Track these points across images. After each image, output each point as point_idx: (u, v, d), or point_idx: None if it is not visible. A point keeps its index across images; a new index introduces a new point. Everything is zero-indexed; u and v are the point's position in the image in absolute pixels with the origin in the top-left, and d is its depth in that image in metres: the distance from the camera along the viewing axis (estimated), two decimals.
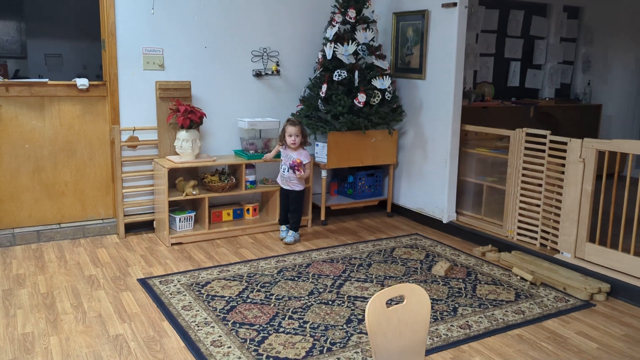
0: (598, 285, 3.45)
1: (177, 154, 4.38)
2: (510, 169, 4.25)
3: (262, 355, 2.65)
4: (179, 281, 3.52)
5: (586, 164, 3.67)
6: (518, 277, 3.69)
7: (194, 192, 4.24)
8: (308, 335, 2.85)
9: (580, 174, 3.71)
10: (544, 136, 3.99)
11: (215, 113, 4.60)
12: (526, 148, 4.12)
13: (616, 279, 3.47)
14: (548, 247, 4.03)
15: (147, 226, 4.52)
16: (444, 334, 2.90)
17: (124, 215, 4.37)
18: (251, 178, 4.53)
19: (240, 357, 2.62)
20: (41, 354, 2.63)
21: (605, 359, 2.69)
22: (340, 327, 2.94)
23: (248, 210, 4.69)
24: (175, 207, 4.36)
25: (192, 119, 4.19)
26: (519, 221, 4.22)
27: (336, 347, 2.74)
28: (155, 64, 4.37)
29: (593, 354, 2.75)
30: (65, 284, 3.44)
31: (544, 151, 4.00)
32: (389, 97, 4.69)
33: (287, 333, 2.86)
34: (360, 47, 4.61)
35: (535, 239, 4.11)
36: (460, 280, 3.63)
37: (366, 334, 2.87)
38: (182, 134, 4.22)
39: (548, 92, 6.83)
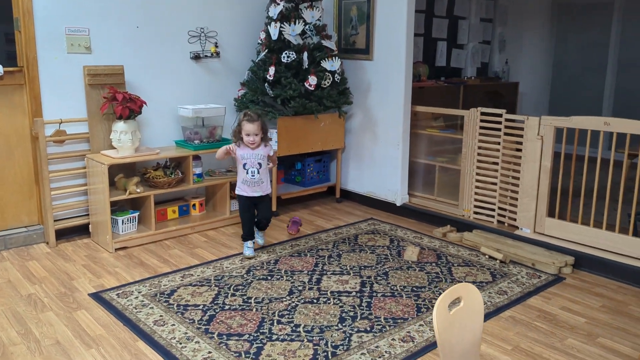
0: (564, 259, 3.56)
1: (113, 148, 3.90)
2: (465, 148, 4.27)
3: None
4: (139, 292, 3.13)
5: (544, 141, 3.76)
6: (486, 256, 3.72)
7: (138, 190, 3.80)
8: (305, 340, 2.64)
9: (539, 151, 3.79)
10: (500, 115, 4.04)
11: (151, 100, 4.14)
12: (481, 127, 4.16)
13: (578, 251, 3.60)
14: (506, 224, 4.12)
15: (80, 231, 4.00)
16: None
17: (54, 221, 3.82)
18: (198, 171, 4.15)
19: None
20: None
21: (598, 332, 2.77)
22: (336, 328, 2.75)
23: (194, 205, 4.31)
24: (113, 208, 3.88)
25: (131, 108, 3.73)
26: (475, 200, 4.27)
27: (340, 350, 2.56)
28: (81, 46, 3.83)
29: (585, 328, 2.81)
30: (2, 308, 2.92)
31: (499, 130, 4.05)
32: (338, 79, 4.50)
33: (283, 340, 2.63)
34: (307, 26, 4.36)
35: (493, 216, 4.18)
36: (434, 265, 3.59)
37: (365, 331, 2.72)
38: (120, 126, 3.75)
39: (470, 71, 7.02)
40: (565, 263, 3.53)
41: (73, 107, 3.86)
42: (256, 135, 3.49)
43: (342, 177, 5.08)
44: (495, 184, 4.14)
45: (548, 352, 2.58)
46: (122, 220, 3.84)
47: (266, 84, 4.35)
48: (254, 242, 3.70)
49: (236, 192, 3.63)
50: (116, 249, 3.76)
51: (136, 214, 3.93)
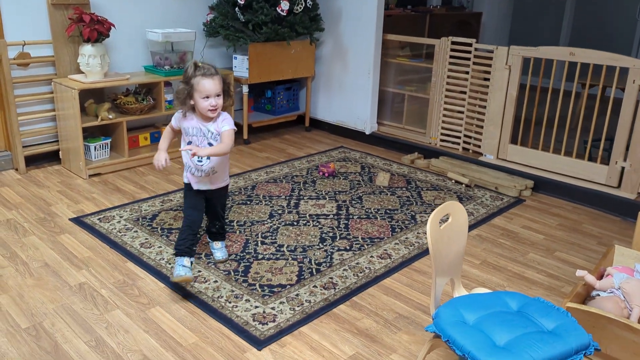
0: (524, 182, 3.80)
1: (80, 72, 3.78)
2: (434, 77, 4.37)
3: (254, 285, 2.54)
4: (120, 217, 3.17)
5: (512, 71, 3.90)
6: (453, 181, 3.92)
7: (110, 117, 3.74)
8: (290, 258, 2.78)
9: (506, 80, 3.94)
10: (470, 44, 4.13)
11: (118, 23, 3.98)
12: (451, 57, 4.25)
13: (537, 175, 3.85)
14: (470, 151, 4.32)
15: (50, 158, 3.94)
16: (416, 242, 3.02)
17: (22, 147, 3.74)
18: (169, 97, 4.10)
19: (233, 290, 2.48)
20: None
21: (555, 247, 3.04)
22: (318, 247, 2.91)
23: None
24: (84, 135, 3.81)
25: (99, 31, 3.60)
26: (442, 128, 4.42)
27: (323, 267, 2.72)
28: None
29: (543, 244, 3.08)
30: None
31: (469, 59, 4.15)
32: (310, 4, 4.44)
33: (268, 259, 2.76)
34: None
35: (458, 144, 4.37)
36: (404, 189, 3.76)
37: (345, 250, 2.88)
38: (88, 49, 3.62)
39: (435, 0, 7.01)
40: (526, 186, 3.78)
41: (36, 28, 3.68)
42: (218, 96, 2.36)
43: (311, 106, 5.12)
44: (462, 112, 4.29)
45: (512, 265, 2.83)
46: (95, 147, 3.79)
47: (237, 9, 4.25)
48: (192, 261, 2.45)
49: (184, 179, 2.58)
50: (90, 176, 3.74)
51: (108, 141, 3.88)
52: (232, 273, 2.62)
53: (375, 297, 2.50)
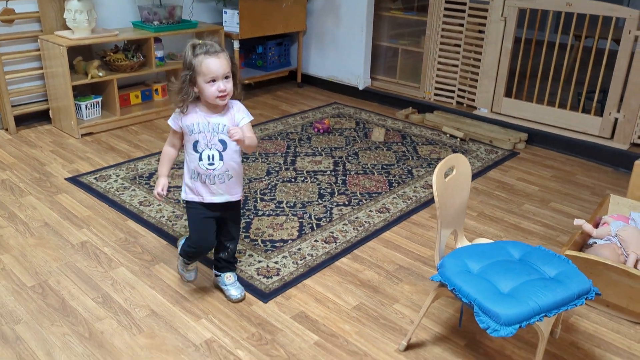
0: (518, 135, 3.83)
1: (67, 28, 3.67)
2: (429, 30, 4.31)
3: (255, 240, 2.56)
4: (117, 176, 3.15)
5: (507, 22, 3.86)
6: (448, 135, 3.93)
7: (100, 74, 3.66)
8: (290, 214, 2.80)
9: (501, 32, 3.90)
10: None
11: None
12: (446, 9, 4.18)
13: (531, 128, 3.87)
14: (464, 105, 4.31)
15: (39, 118, 3.87)
16: (414, 196, 3.05)
17: (12, 107, 3.66)
18: (160, 54, 4.02)
19: None
20: (1, 276, 2.25)
21: (549, 198, 3.09)
22: (317, 203, 2.93)
23: (157, 90, 4.22)
24: (74, 93, 3.74)
25: None
26: (437, 82, 4.40)
27: (323, 222, 2.74)
28: None
29: (538, 195, 3.12)
30: None
31: (464, 11, 4.09)
32: None
33: (269, 215, 2.78)
34: None
35: (452, 98, 4.36)
36: (400, 144, 3.77)
37: (344, 205, 2.91)
38: (74, 4, 3.51)
39: None
40: (520, 139, 3.80)
41: None
42: (226, 78, 1.88)
43: (303, 61, 5.05)
44: (456, 65, 4.26)
45: (508, 216, 2.88)
46: (86, 106, 3.73)
47: None
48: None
49: (183, 195, 2.07)
50: (82, 135, 3.69)
51: (99, 99, 3.81)
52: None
53: (376, 250, 2.54)
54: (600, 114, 3.63)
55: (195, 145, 1.95)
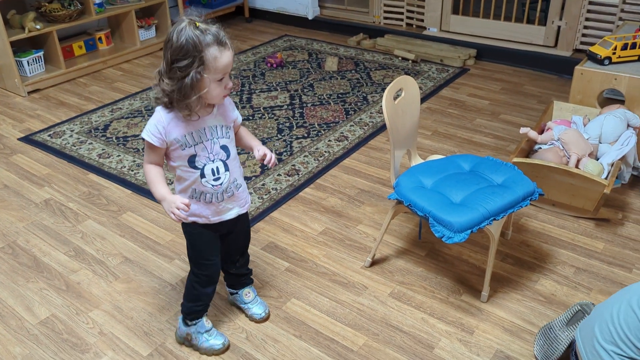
0: (467, 52, 3.89)
1: None
2: None
3: None
4: (72, 131, 3.11)
5: None
6: (400, 58, 3.96)
7: (38, 27, 3.51)
8: (250, 152, 2.83)
9: None
10: None
11: None
12: None
13: (479, 43, 3.93)
14: (414, 26, 4.32)
15: None
16: (370, 122, 3.12)
17: None
18: (98, 0, 3.85)
19: None
20: None
21: (499, 110, 3.20)
22: (277, 138, 2.97)
23: (100, 39, 4.07)
24: (13, 49, 3.58)
25: None
26: (385, 5, 4.37)
27: (284, 155, 2.80)
28: None
29: (489, 108, 3.23)
30: None
31: None
32: None
33: None
34: None
35: (402, 20, 4.35)
36: (353, 72, 3.79)
37: (303, 137, 2.96)
38: None
39: None
40: (469, 56, 3.87)
41: None
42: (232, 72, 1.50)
43: None
44: None
45: (461, 131, 2.99)
46: (28, 62, 3.59)
47: None
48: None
49: (182, 218, 1.50)
50: (28, 93, 3.58)
51: (41, 53, 3.67)
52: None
53: (337, 177, 2.62)
54: (544, 23, 3.70)
55: (192, 160, 1.51)
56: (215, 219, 1.61)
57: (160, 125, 1.46)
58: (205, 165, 1.52)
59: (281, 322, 1.84)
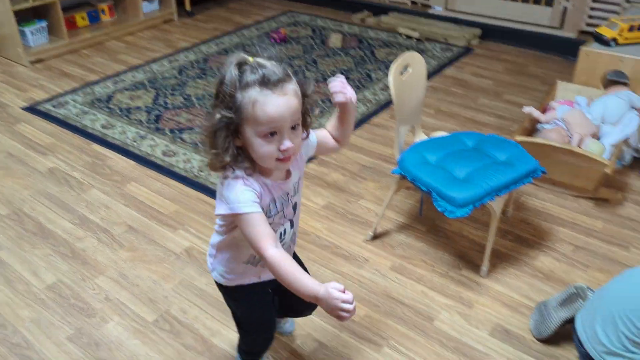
0: (472, 31, 3.87)
1: None
2: None
3: None
4: (75, 101, 3.11)
5: None
6: (404, 36, 3.95)
7: None
8: None
9: None
10: None
11: None
12: None
13: (485, 23, 3.92)
14: (419, 4, 4.29)
15: None
16: (373, 99, 3.12)
17: None
18: None
19: (203, 160, 2.57)
20: None
21: (503, 91, 3.20)
22: None
23: (103, 10, 4.05)
24: (16, 19, 3.55)
25: None
26: None
27: None
28: None
29: (492, 89, 3.24)
30: None
31: None
32: None
33: None
34: None
35: None
36: (357, 49, 3.78)
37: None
38: None
39: None
40: (474, 35, 3.85)
41: None
42: (293, 128, 1.10)
43: None
44: None
45: (464, 111, 3.00)
46: (31, 31, 3.57)
47: None
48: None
49: (221, 280, 1.34)
50: (32, 62, 3.57)
51: (44, 24, 3.65)
52: (200, 145, 2.69)
53: (340, 153, 2.63)
54: (550, 3, 3.68)
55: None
56: (266, 277, 1.33)
57: (248, 189, 1.09)
58: (275, 231, 1.19)
59: None
